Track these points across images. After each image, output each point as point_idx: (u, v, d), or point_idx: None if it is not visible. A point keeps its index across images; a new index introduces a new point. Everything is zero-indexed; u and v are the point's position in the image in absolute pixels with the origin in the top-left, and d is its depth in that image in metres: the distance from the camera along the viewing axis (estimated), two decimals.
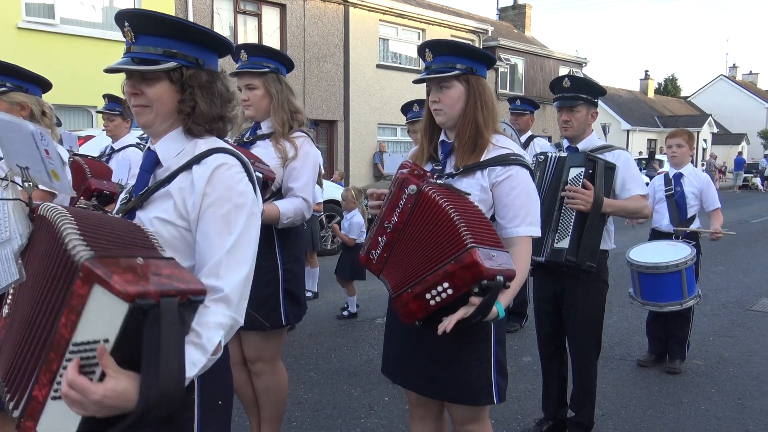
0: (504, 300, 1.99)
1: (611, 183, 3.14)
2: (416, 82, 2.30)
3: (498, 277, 1.83)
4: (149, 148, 1.63)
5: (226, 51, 1.67)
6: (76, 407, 1.20)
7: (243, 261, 1.50)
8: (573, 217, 3.05)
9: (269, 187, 2.68)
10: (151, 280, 1.21)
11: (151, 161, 1.60)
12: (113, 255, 1.23)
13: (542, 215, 3.01)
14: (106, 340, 1.18)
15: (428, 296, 1.92)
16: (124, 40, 1.58)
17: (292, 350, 5.05)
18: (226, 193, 1.51)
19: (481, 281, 1.82)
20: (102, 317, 1.18)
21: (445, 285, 1.88)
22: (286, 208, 2.75)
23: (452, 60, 2.16)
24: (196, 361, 1.35)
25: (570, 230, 3.05)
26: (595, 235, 3.08)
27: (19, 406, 1.28)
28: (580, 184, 3.05)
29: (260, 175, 2.55)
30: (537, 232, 2.15)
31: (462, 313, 1.87)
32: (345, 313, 6.09)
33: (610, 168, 3.12)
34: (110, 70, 1.54)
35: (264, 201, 2.68)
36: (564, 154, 3.22)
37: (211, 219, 1.49)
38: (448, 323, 1.87)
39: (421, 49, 2.24)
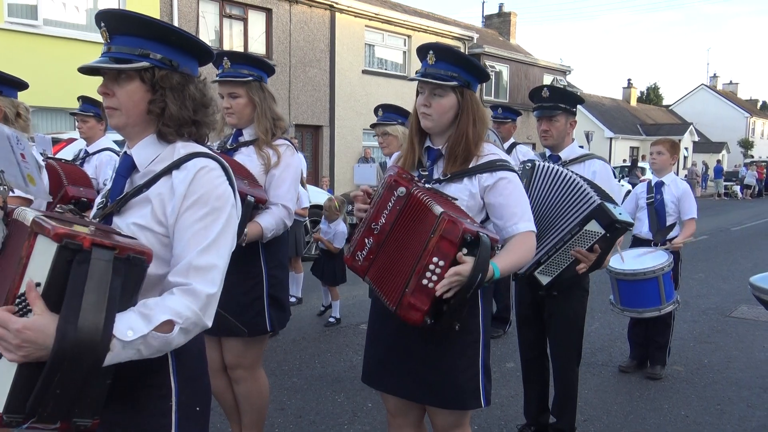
0: (500, 263, 2.01)
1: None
2: (412, 80, 2.22)
3: (481, 234, 1.87)
4: (125, 152, 1.62)
5: (206, 56, 1.65)
6: (3, 346, 1.22)
7: (216, 263, 1.48)
8: (566, 265, 2.99)
9: (259, 209, 2.69)
10: (92, 233, 1.25)
11: (127, 166, 1.59)
12: (67, 219, 1.29)
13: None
14: (39, 284, 1.23)
15: (425, 281, 1.89)
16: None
17: (275, 356, 5.03)
18: (205, 197, 1.50)
19: (465, 238, 1.85)
20: (39, 263, 1.23)
21: (435, 260, 1.87)
22: (268, 222, 2.74)
23: (453, 69, 2.13)
24: (135, 327, 1.32)
25: (556, 273, 3.03)
26: (570, 278, 3.08)
27: None
28: (593, 239, 2.91)
29: (252, 200, 2.57)
30: (534, 227, 2.19)
31: (461, 268, 1.87)
32: (331, 319, 6.08)
33: (625, 230, 3.00)
34: (84, 69, 1.54)
35: (251, 219, 2.67)
36: (598, 201, 2.88)
37: (189, 221, 1.48)
38: (444, 281, 1.86)
39: (425, 50, 2.18)
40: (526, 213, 2.16)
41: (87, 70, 1.54)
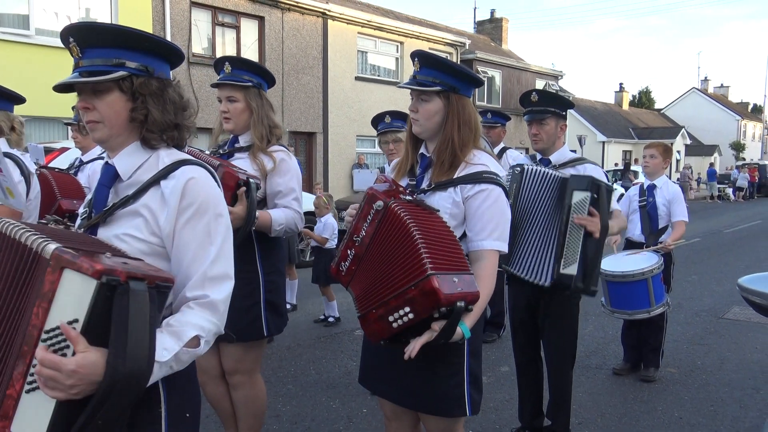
0: (469, 321, 2.00)
1: (610, 204, 3.13)
2: (401, 86, 2.29)
3: (458, 303, 1.86)
4: (107, 162, 1.62)
5: (177, 59, 1.66)
6: (50, 386, 1.21)
7: (228, 269, 1.56)
8: (581, 242, 2.99)
9: (259, 190, 2.73)
10: (119, 264, 1.25)
11: (110, 176, 1.60)
12: (79, 248, 1.26)
13: (531, 233, 3.02)
14: (75, 321, 1.21)
15: (391, 318, 1.93)
16: None
17: (271, 362, 5.03)
18: (203, 206, 1.53)
19: (440, 308, 1.84)
20: (71, 299, 1.22)
21: (407, 309, 1.89)
22: (278, 215, 2.78)
23: (436, 75, 2.17)
24: (168, 346, 1.37)
25: (578, 256, 3.00)
26: (599, 260, 3.09)
27: None
28: (585, 209, 2.98)
29: (256, 182, 2.63)
30: (503, 247, 2.15)
31: (426, 338, 1.90)
32: (331, 319, 6.12)
33: (610, 190, 3.08)
34: (59, 86, 1.52)
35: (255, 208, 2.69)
36: (566, 175, 3.09)
37: (192, 232, 1.51)
38: (412, 349, 1.89)
39: (412, 57, 2.26)
40: (497, 230, 2.13)
41: (64, 88, 1.53)
